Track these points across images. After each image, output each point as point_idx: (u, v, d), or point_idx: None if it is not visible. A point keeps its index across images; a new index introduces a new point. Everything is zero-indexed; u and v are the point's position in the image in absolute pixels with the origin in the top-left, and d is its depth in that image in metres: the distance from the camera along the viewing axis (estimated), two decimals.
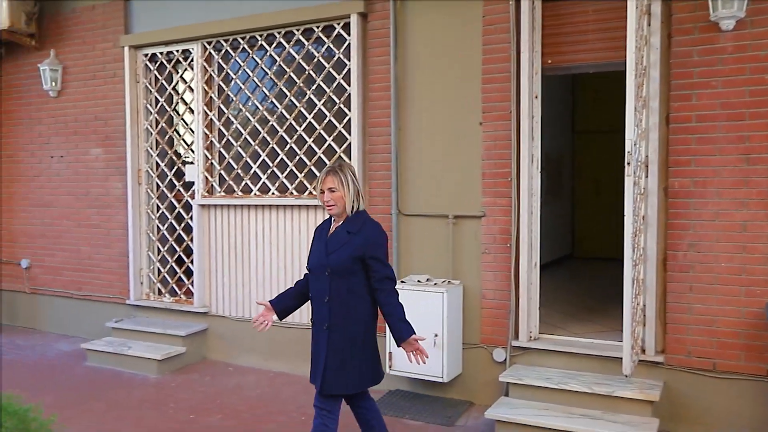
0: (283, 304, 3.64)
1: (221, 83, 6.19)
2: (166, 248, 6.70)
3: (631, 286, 3.85)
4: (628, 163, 3.81)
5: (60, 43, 7.13)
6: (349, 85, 5.46)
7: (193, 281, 6.42)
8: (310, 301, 3.57)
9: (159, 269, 6.75)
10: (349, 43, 5.43)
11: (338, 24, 5.50)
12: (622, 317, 3.89)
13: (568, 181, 10.12)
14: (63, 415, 4.03)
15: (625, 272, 3.83)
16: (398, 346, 3.41)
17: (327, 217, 3.57)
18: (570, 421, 4.13)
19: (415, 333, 3.37)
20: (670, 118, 4.33)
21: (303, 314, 5.77)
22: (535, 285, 4.92)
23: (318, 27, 5.60)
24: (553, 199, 8.98)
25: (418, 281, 5.06)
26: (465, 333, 5.08)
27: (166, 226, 6.70)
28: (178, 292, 6.63)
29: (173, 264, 6.68)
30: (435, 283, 5.00)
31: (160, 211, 6.71)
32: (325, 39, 5.59)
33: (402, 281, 5.08)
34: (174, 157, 6.66)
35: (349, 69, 5.45)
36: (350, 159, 5.47)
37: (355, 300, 3.40)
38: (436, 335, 4.81)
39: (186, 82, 6.53)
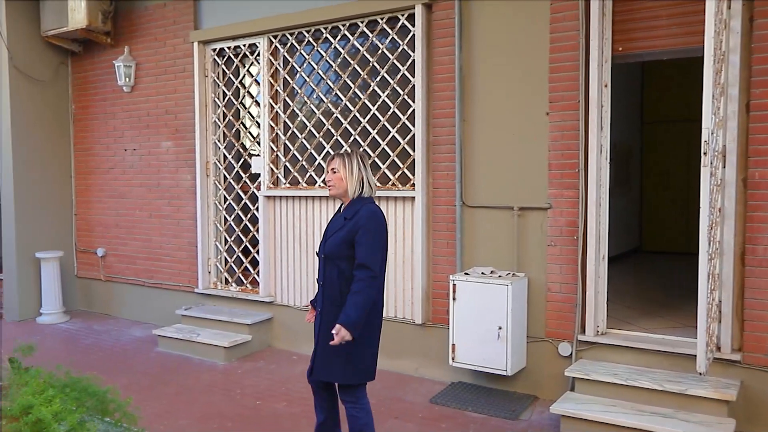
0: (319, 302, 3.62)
1: (287, 76, 6.28)
2: (232, 238, 6.86)
3: (706, 281, 3.70)
4: (705, 153, 3.66)
5: (133, 40, 7.38)
6: (413, 77, 5.44)
7: (258, 271, 6.55)
8: None
9: (226, 259, 6.92)
10: (414, 35, 5.41)
11: (402, 15, 5.48)
12: (696, 313, 3.76)
13: (637, 173, 9.82)
14: (136, 398, 4.17)
15: (700, 266, 3.69)
16: None
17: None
18: (640, 419, 4.01)
19: (344, 325, 3.22)
20: (750, 106, 4.13)
21: None
22: (603, 278, 4.80)
23: (382, 18, 5.59)
24: (620, 191, 8.74)
25: (482, 273, 5.01)
26: (529, 326, 5.00)
27: (233, 216, 6.85)
28: (245, 282, 6.78)
29: (239, 254, 6.83)
30: (499, 276, 4.94)
31: (227, 202, 6.87)
32: (389, 30, 5.58)
33: (466, 273, 5.04)
34: (241, 150, 6.80)
35: (413, 60, 5.43)
36: (413, 150, 5.46)
37: (345, 286, 3.36)
38: (500, 328, 4.76)
39: (252, 76, 6.65)
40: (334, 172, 3.44)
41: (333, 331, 3.23)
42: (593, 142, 4.65)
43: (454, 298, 4.96)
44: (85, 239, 8.14)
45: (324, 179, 3.55)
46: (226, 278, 6.92)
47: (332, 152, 3.42)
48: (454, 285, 4.96)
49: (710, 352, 3.97)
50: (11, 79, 7.47)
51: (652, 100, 9.79)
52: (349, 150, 3.56)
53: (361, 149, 5.78)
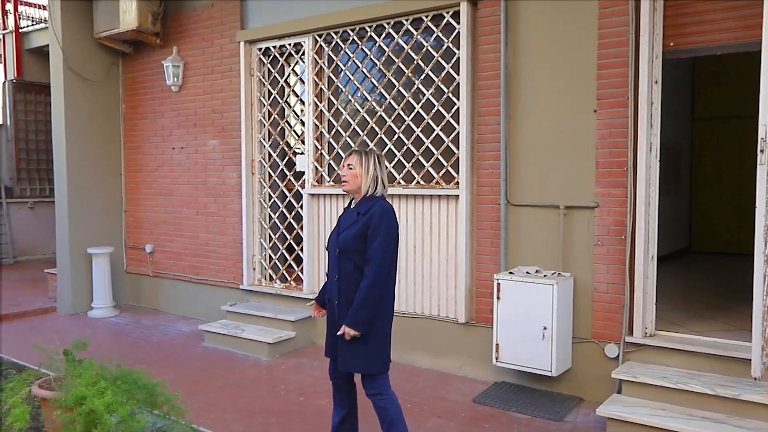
0: (322, 299, 3.82)
1: (331, 75, 6.32)
2: (277, 236, 6.94)
3: (762, 283, 3.59)
4: (761, 151, 3.55)
5: (181, 41, 7.52)
6: (458, 74, 5.41)
7: (302, 268, 6.61)
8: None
9: (270, 256, 7.00)
10: (459, 32, 5.38)
11: (447, 13, 5.46)
12: (750, 316, 3.65)
13: (686, 171, 9.57)
14: (183, 392, 4.24)
15: (755, 268, 3.59)
16: None
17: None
18: (690, 423, 3.91)
19: (350, 324, 3.40)
20: None
21: (406, 303, 5.82)
22: (652, 279, 4.69)
23: (427, 16, 5.58)
24: (669, 190, 8.52)
25: (527, 273, 4.96)
26: (575, 327, 4.93)
27: (277, 214, 6.93)
28: (288, 279, 6.85)
29: (284, 251, 6.90)
30: (544, 275, 4.88)
31: (272, 200, 6.95)
32: (434, 28, 5.56)
33: (510, 272, 5.00)
34: (285, 148, 6.87)
35: (458, 58, 5.40)
36: (458, 148, 5.43)
37: (359, 278, 3.47)
38: (545, 328, 4.70)
39: (297, 75, 6.71)
40: (350, 168, 3.55)
41: (338, 333, 3.43)
42: (642, 140, 4.55)
43: (498, 298, 4.92)
44: (134, 236, 8.35)
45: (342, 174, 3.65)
46: (270, 275, 7.01)
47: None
48: (499, 284, 4.92)
49: (766, 356, 3.84)
50: (65, 80, 7.70)
51: (702, 96, 9.52)
52: (367, 149, 3.67)
53: (405, 147, 5.78)
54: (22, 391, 4.04)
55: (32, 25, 11.26)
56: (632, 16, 4.55)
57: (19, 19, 11.32)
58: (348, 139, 6.19)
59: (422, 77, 5.67)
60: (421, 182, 5.72)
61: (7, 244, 11.58)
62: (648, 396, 4.30)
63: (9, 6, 11.44)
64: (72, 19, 7.73)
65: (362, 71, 6.09)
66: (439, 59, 5.55)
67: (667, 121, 4.74)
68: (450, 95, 5.50)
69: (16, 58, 11.30)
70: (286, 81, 6.79)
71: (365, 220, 3.46)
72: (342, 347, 3.50)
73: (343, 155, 6.06)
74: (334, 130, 6.32)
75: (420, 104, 5.69)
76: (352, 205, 3.66)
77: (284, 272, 6.90)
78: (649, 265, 4.68)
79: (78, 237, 7.91)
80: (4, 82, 11.58)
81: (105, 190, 8.25)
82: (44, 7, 10.88)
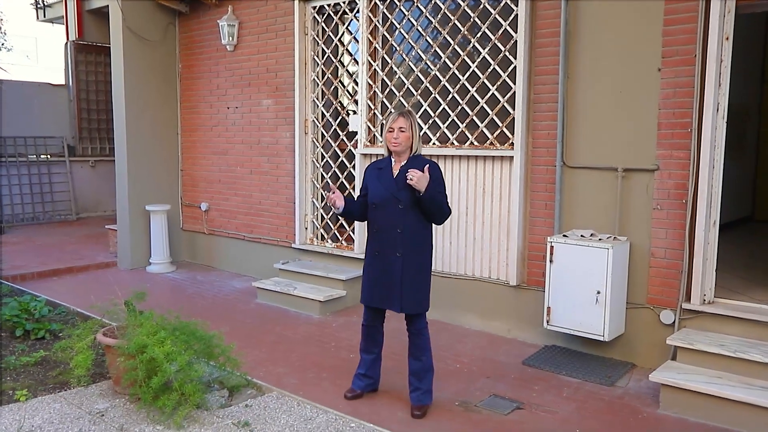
0: (349, 205, 4.07)
1: (385, 33, 6.24)
2: (322, 185, 6.98)
3: None
4: None
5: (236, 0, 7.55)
6: (516, 32, 5.27)
7: (353, 228, 6.65)
8: (370, 231, 4.00)
9: (322, 216, 7.07)
10: None
11: None
12: None
13: (753, 136, 9.15)
14: (238, 345, 4.38)
15: None
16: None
17: (388, 155, 3.98)
18: (749, 392, 3.81)
19: (430, 191, 3.71)
20: None
21: (457, 264, 5.80)
22: (713, 245, 4.55)
23: None
24: (733, 155, 8.18)
25: (581, 236, 4.87)
26: (629, 292, 4.84)
27: (329, 174, 6.96)
28: (340, 238, 6.91)
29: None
30: (599, 239, 4.79)
31: (324, 160, 6.98)
32: None
33: (564, 235, 4.92)
34: (338, 108, 6.87)
35: (516, 15, 5.26)
36: (513, 109, 5.32)
37: (423, 230, 3.91)
38: (598, 292, 4.62)
39: (351, 33, 6.66)
40: (402, 131, 3.83)
41: (415, 175, 3.65)
42: (709, 100, 4.36)
43: (551, 261, 4.86)
44: (190, 194, 8.54)
45: (390, 138, 3.92)
46: (322, 234, 7.08)
47: (397, 111, 3.79)
48: (552, 247, 4.85)
49: None
50: (124, 40, 7.83)
51: None
52: (408, 110, 3.97)
53: (459, 107, 5.71)
54: (88, 338, 4.23)
55: None
56: None
57: None
58: (401, 98, 6.13)
59: (478, 35, 5.55)
60: (475, 143, 5.65)
61: (70, 201, 12.01)
62: (704, 364, 4.20)
63: None
64: None
65: (417, 29, 6.00)
66: (497, 16, 5.41)
67: (735, 82, 4.52)
68: (507, 54, 5.37)
69: (78, 19, 11.54)
70: (339, 40, 6.75)
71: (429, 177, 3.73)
72: (405, 291, 3.85)
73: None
74: (388, 89, 6.27)
75: (475, 63, 5.58)
76: (395, 164, 3.92)
77: (336, 232, 6.96)
78: (711, 231, 4.53)
79: (137, 194, 8.13)
80: (66, 43, 11.87)
81: (162, 149, 8.43)
82: None
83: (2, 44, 10.55)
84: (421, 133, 3.79)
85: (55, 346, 4.56)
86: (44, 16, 12.73)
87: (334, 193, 3.96)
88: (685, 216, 4.55)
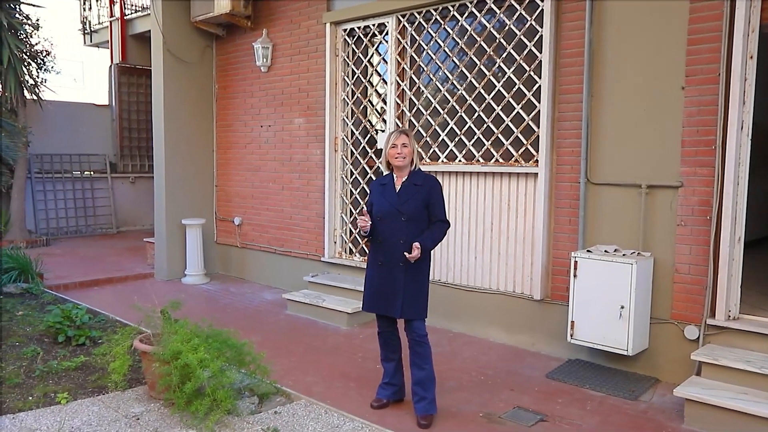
0: (373, 232, 4.10)
1: (413, 54, 6.26)
2: (357, 211, 6.99)
3: None
4: None
5: (271, 23, 7.64)
6: (540, 52, 5.24)
7: None
8: (374, 242, 4.08)
9: (351, 230, 7.07)
10: (542, 9, 5.20)
11: None
12: None
13: None
14: (268, 354, 4.37)
15: None
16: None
17: (389, 171, 4.10)
18: None
19: (424, 245, 3.88)
20: None
21: (482, 278, 5.74)
22: (738, 261, 4.43)
23: None
24: (758, 173, 7.99)
25: (605, 251, 4.79)
26: (653, 307, 4.73)
27: (358, 190, 6.97)
28: (367, 252, 6.88)
29: None
30: (623, 254, 4.70)
31: (353, 176, 7.00)
32: (516, 6, 5.41)
33: (588, 250, 4.84)
34: (367, 126, 6.89)
35: (541, 36, 5.23)
36: (538, 127, 5.28)
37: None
38: (622, 307, 4.53)
39: (380, 54, 6.70)
40: (405, 146, 3.97)
41: (410, 252, 3.84)
42: (733, 118, 4.28)
43: (575, 275, 4.78)
44: (224, 209, 8.61)
45: (393, 154, 4.05)
46: (350, 248, 7.08)
47: (401, 131, 3.90)
48: (576, 262, 4.77)
49: None
50: (165, 62, 7.99)
51: None
52: (406, 129, 4.17)
53: (485, 126, 5.69)
54: (125, 344, 4.26)
55: (135, 12, 11.74)
56: None
57: (124, 7, 11.82)
58: (428, 117, 6.13)
59: (503, 55, 5.54)
60: (500, 160, 5.61)
61: (110, 215, 12.22)
62: (729, 380, 4.08)
63: None
64: (171, 5, 7.99)
65: (444, 50, 6.01)
66: (522, 37, 5.40)
67: (760, 100, 4.43)
68: (532, 73, 5.34)
69: (121, 43, 11.83)
70: (369, 61, 6.79)
71: (426, 190, 3.96)
72: (406, 298, 3.95)
73: (424, 134, 6.11)
74: (415, 108, 6.28)
75: (501, 83, 5.56)
76: (397, 179, 4.03)
77: (363, 246, 6.95)
78: (735, 247, 4.42)
79: (173, 209, 8.23)
80: (110, 66, 12.15)
81: (198, 166, 8.54)
82: None
83: (52, 68, 10.81)
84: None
85: (95, 351, 4.60)
86: (91, 41, 13.08)
87: (366, 217, 4.00)
88: (709, 232, 4.45)
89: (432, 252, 4.18)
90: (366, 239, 4.62)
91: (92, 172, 12.15)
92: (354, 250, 7.04)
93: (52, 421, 3.81)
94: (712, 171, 4.41)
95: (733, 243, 4.39)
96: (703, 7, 4.40)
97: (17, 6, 9.99)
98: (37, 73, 10.43)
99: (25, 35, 10.17)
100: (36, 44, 10.49)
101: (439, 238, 4.02)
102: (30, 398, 4.13)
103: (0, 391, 4.23)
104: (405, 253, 3.86)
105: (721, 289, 4.41)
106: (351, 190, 7.02)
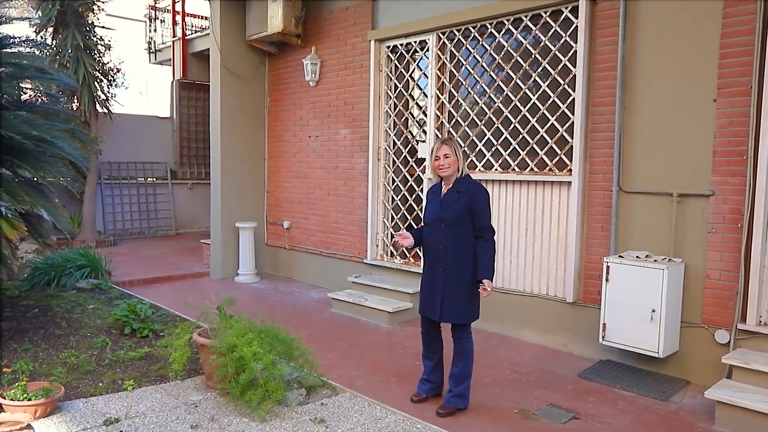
0: (418, 236, 4.09)
1: (452, 69, 6.25)
2: (398, 216, 7.00)
3: None
4: None
5: (319, 41, 7.73)
6: (574, 67, 5.17)
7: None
8: (423, 248, 4.04)
9: (392, 234, 7.08)
10: (576, 26, 5.14)
11: (566, 8, 5.23)
12: None
13: None
14: (314, 349, 4.41)
15: None
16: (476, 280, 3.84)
17: (438, 180, 4.02)
18: None
19: (490, 278, 3.78)
20: None
21: (516, 281, 5.68)
22: None
23: (546, 12, 5.38)
24: None
25: (637, 257, 4.69)
26: (684, 312, 4.60)
27: (399, 197, 6.98)
28: (408, 255, 6.89)
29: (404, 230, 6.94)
30: (655, 260, 4.59)
31: (395, 184, 7.01)
32: (552, 23, 5.36)
33: (620, 256, 4.75)
34: (408, 137, 6.90)
35: (575, 51, 5.17)
36: (572, 137, 5.21)
37: (465, 246, 3.84)
38: (653, 311, 4.43)
39: (421, 69, 6.70)
40: (447, 157, 3.85)
41: (483, 281, 3.78)
42: (766, 129, 4.14)
43: (607, 280, 4.69)
44: (274, 213, 8.73)
45: (437, 165, 3.97)
46: (391, 251, 7.09)
47: (444, 139, 3.85)
48: (608, 267, 4.68)
49: None
50: (222, 78, 8.15)
51: None
52: (449, 137, 4.00)
53: (520, 136, 5.64)
54: (185, 337, 4.35)
55: (195, 33, 12.03)
56: (761, 4, 4.14)
57: (185, 28, 12.13)
58: (467, 128, 6.11)
59: (539, 70, 5.48)
60: (535, 169, 5.55)
61: (170, 218, 12.50)
62: (760, 383, 3.94)
63: (178, 18, 12.28)
64: (228, 26, 8.16)
65: (482, 65, 5.98)
66: (557, 53, 5.34)
67: None
68: (566, 87, 5.28)
69: (183, 61, 12.13)
70: (410, 75, 6.80)
71: (468, 197, 3.81)
72: (446, 302, 3.87)
73: (462, 144, 6.09)
74: (454, 120, 6.26)
75: (536, 96, 5.50)
76: (444, 187, 3.95)
77: (404, 249, 6.95)
78: (766, 254, 4.27)
79: (228, 213, 8.38)
80: (172, 82, 12.46)
81: (251, 173, 8.67)
82: (206, 17, 11.59)
83: (121, 84, 11.16)
84: (467, 160, 3.78)
85: (157, 343, 4.71)
86: (155, 59, 13.46)
87: (403, 233, 4.04)
88: (740, 240, 4.31)
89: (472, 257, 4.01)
90: (413, 249, 4.52)
91: (155, 179, 12.47)
92: (395, 252, 7.04)
93: (120, 405, 3.91)
94: (743, 180, 4.28)
95: (764, 250, 4.25)
96: (736, 22, 4.28)
97: (92, 29, 10.36)
98: (108, 88, 10.76)
99: (98, 55, 10.53)
100: (107, 63, 10.83)
101: (491, 260, 3.83)
102: (100, 384, 4.26)
103: (74, 377, 4.37)
104: (481, 291, 3.80)
105: (752, 295, 4.27)
106: (392, 197, 7.04)
